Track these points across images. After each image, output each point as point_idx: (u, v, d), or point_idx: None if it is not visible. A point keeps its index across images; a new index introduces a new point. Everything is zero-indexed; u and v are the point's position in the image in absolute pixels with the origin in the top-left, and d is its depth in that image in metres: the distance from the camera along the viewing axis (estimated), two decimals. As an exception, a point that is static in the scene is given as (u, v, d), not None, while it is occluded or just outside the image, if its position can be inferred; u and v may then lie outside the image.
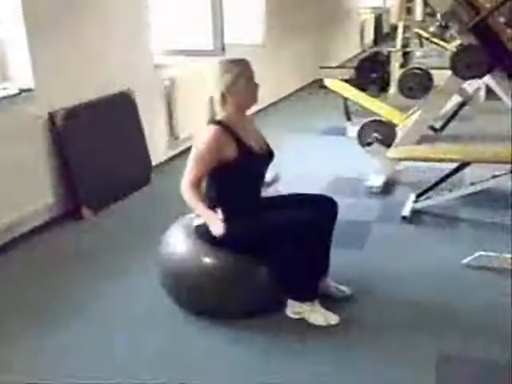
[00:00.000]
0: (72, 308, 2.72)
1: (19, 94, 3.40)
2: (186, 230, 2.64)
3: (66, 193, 3.77)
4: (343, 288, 2.72)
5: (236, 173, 2.49)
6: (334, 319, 2.52)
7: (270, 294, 2.57)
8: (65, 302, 2.77)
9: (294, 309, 2.55)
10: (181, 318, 2.61)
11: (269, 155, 2.65)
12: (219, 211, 2.37)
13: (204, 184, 2.55)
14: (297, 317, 2.53)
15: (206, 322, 2.56)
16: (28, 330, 2.55)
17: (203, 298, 2.56)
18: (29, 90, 3.45)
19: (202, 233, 2.52)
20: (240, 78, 2.46)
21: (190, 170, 2.45)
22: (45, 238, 3.49)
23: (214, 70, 2.51)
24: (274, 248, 2.45)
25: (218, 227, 2.35)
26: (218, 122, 2.49)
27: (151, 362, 2.32)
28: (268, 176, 2.72)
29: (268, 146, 2.67)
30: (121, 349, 2.42)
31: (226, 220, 2.37)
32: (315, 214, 2.54)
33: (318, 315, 2.51)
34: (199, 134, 2.52)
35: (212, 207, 2.43)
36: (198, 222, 2.55)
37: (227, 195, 2.53)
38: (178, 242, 2.64)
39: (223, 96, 2.46)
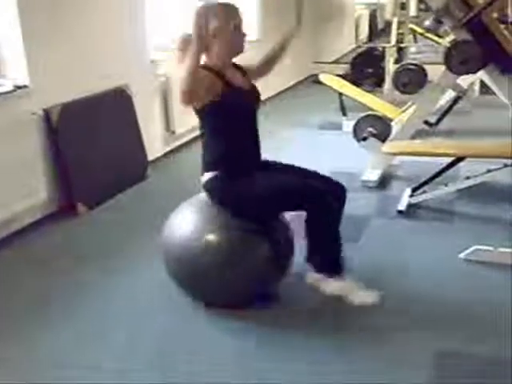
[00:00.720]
0: (68, 304, 2.72)
1: (14, 90, 3.39)
2: (191, 209, 2.62)
3: (61, 189, 3.77)
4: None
5: (227, 111, 2.43)
6: (371, 299, 2.45)
7: (272, 275, 2.58)
8: (60, 299, 2.77)
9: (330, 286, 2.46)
10: (182, 310, 2.63)
11: (255, 92, 2.61)
12: None
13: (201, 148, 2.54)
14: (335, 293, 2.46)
15: (207, 311, 2.58)
16: (23, 327, 2.55)
17: (206, 278, 2.51)
18: (24, 87, 3.44)
19: (211, 189, 2.51)
20: (229, 24, 2.38)
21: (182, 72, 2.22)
22: (40, 234, 3.48)
23: (197, 10, 2.36)
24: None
25: None
26: (203, 67, 2.36)
27: (150, 358, 2.32)
28: None
29: (255, 87, 2.63)
30: (119, 342, 2.42)
31: (230, 175, 2.38)
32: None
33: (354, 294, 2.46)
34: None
35: (213, 167, 2.44)
36: (205, 178, 2.53)
37: (222, 148, 2.50)
38: (181, 221, 2.60)
39: (207, 41, 2.33)
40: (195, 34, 2.21)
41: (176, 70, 2.38)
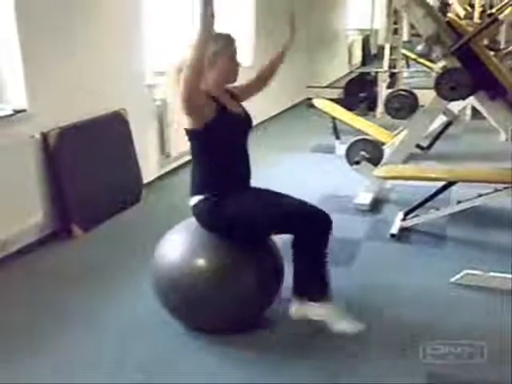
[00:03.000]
0: (61, 327, 2.73)
1: (13, 114, 3.44)
2: (181, 234, 2.65)
3: (57, 211, 3.79)
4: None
5: (216, 139, 2.47)
6: (354, 328, 2.45)
7: (262, 301, 2.60)
8: (54, 322, 2.78)
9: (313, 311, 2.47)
10: (171, 334, 2.64)
11: (247, 118, 2.66)
12: None
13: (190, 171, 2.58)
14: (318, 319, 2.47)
15: (197, 336, 2.59)
16: (10, 350, 2.54)
17: (196, 304, 2.52)
18: (22, 111, 3.49)
19: (199, 212, 2.54)
20: (224, 52, 2.44)
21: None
22: (35, 256, 3.49)
23: (190, 39, 2.38)
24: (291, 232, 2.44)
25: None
26: None
27: (138, 380, 2.33)
28: None
29: (246, 111, 2.67)
30: (109, 364, 2.44)
31: (219, 198, 2.41)
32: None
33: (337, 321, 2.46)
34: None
35: (201, 190, 2.48)
36: (193, 201, 2.55)
37: (212, 171, 2.53)
38: (171, 246, 2.63)
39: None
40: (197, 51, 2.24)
41: (172, 91, 2.45)
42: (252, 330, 2.63)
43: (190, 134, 2.52)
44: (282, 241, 2.64)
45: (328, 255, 2.48)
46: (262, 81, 2.91)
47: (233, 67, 2.51)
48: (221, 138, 2.49)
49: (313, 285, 2.49)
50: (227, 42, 2.48)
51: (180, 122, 2.44)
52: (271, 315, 2.71)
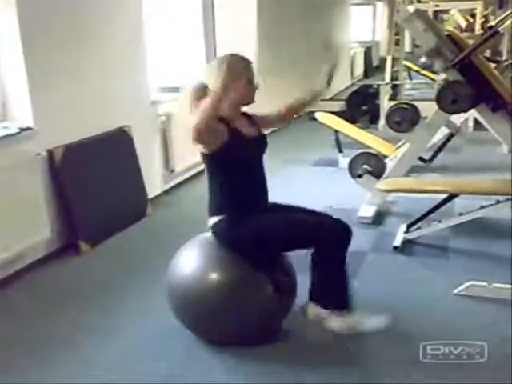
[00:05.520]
0: (70, 342, 2.76)
1: (19, 132, 3.49)
2: (196, 248, 2.68)
3: (64, 227, 3.84)
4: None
5: (232, 161, 2.50)
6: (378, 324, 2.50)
7: (276, 313, 2.62)
8: (63, 336, 2.80)
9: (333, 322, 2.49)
10: (183, 347, 2.66)
11: (262, 139, 2.69)
12: None
13: (207, 191, 2.60)
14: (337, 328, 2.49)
15: (209, 349, 2.61)
16: (22, 364, 2.58)
17: (211, 317, 2.54)
18: (28, 129, 3.55)
19: (219, 232, 2.55)
20: (242, 75, 2.46)
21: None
22: (43, 272, 3.53)
23: (214, 62, 2.50)
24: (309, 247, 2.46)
25: None
26: None
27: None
28: None
29: (261, 132, 2.70)
30: (119, 379, 2.45)
31: (238, 218, 2.45)
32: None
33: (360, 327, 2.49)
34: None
35: (219, 211, 2.49)
36: (212, 221, 2.58)
37: (229, 193, 2.55)
38: (185, 261, 2.65)
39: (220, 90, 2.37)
40: (217, 84, 2.31)
41: (186, 119, 2.45)
42: (266, 343, 2.64)
43: (204, 157, 2.55)
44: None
45: (347, 266, 2.51)
46: (282, 120, 2.94)
47: (250, 90, 2.55)
48: (235, 161, 2.53)
49: (334, 296, 2.51)
50: (244, 65, 2.51)
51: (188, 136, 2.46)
52: (285, 327, 2.73)
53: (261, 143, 2.70)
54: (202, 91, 2.46)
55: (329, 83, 2.88)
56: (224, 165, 2.53)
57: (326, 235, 2.46)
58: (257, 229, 2.51)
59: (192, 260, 2.63)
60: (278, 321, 2.69)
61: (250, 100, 2.58)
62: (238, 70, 2.43)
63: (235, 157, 2.51)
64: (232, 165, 2.53)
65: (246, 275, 2.54)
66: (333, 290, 2.51)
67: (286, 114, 2.89)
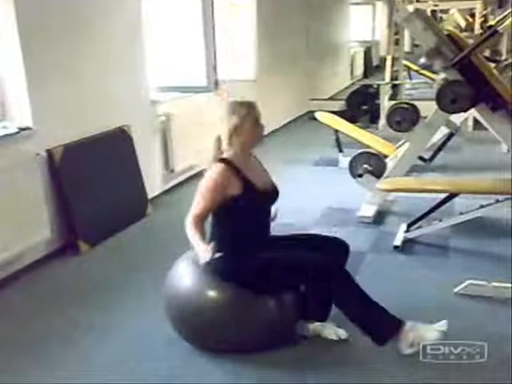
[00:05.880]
0: (68, 341, 2.76)
1: (18, 132, 3.49)
2: (192, 263, 2.66)
3: (64, 227, 3.84)
4: (341, 332, 2.69)
5: (240, 210, 2.54)
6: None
7: (272, 329, 2.59)
8: (61, 336, 2.80)
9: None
10: (179, 350, 2.65)
11: (274, 193, 2.71)
12: (211, 244, 2.42)
13: (210, 226, 2.62)
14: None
15: (206, 355, 2.59)
16: (21, 364, 2.58)
17: (205, 330, 2.56)
18: (27, 129, 3.54)
19: (216, 269, 2.54)
20: (247, 120, 2.52)
21: (196, 204, 2.52)
22: (43, 272, 3.53)
23: (223, 109, 2.58)
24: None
25: (205, 255, 2.39)
26: (224, 160, 2.54)
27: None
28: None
29: (273, 183, 2.73)
30: (116, 379, 2.45)
31: (238, 256, 2.48)
32: (328, 256, 2.58)
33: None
34: (206, 171, 2.58)
35: (218, 248, 2.48)
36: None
37: (232, 233, 2.59)
38: (183, 274, 2.65)
39: (230, 136, 2.53)
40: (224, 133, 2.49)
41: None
42: (268, 352, 2.61)
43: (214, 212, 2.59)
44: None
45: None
46: None
47: (258, 131, 2.60)
48: (246, 212, 2.56)
49: (378, 327, 2.51)
50: (248, 109, 2.55)
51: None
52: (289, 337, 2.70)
53: (273, 196, 2.72)
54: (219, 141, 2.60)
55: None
56: (234, 212, 2.56)
57: (327, 273, 2.49)
58: (254, 269, 2.54)
59: (190, 273, 2.63)
60: (279, 335, 2.64)
61: (258, 140, 2.64)
62: (241, 116, 2.50)
63: (247, 208, 2.54)
64: (242, 213, 2.56)
65: (245, 291, 2.54)
66: (369, 321, 2.52)
67: None
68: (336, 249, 2.70)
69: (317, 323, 2.67)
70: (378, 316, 2.51)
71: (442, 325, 2.52)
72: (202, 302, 2.54)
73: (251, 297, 2.54)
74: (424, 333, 2.49)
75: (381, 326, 2.50)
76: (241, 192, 2.51)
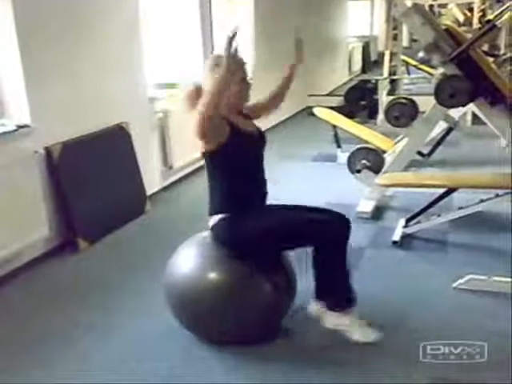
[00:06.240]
0: (68, 339, 2.75)
1: (16, 130, 3.48)
2: (193, 248, 2.67)
3: (63, 225, 3.83)
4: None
5: (231, 160, 2.50)
6: (372, 337, 2.51)
7: (275, 312, 2.61)
8: (61, 334, 2.80)
9: (332, 321, 2.53)
10: (181, 346, 2.65)
11: (261, 136, 2.72)
12: None
13: (208, 190, 2.60)
14: (336, 328, 2.51)
15: (208, 348, 2.60)
16: (21, 363, 2.57)
17: (205, 315, 2.54)
18: (26, 126, 3.53)
19: (219, 231, 2.55)
20: (236, 74, 2.42)
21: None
22: (41, 270, 3.53)
23: (209, 60, 2.52)
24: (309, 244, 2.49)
25: None
26: None
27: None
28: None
29: (261, 130, 2.73)
30: (118, 377, 2.45)
31: (239, 216, 2.46)
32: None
33: (355, 330, 2.51)
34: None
35: (220, 209, 2.49)
36: (213, 221, 2.57)
37: (229, 192, 2.55)
38: (183, 260, 2.64)
39: (216, 91, 2.33)
40: (214, 81, 2.32)
41: (184, 110, 2.54)
42: (266, 342, 2.63)
43: (206, 156, 2.55)
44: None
45: (348, 263, 2.51)
46: (272, 103, 3.00)
47: (245, 89, 2.57)
48: (236, 158, 2.53)
49: (337, 296, 2.53)
50: (238, 65, 2.48)
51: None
52: (285, 325, 2.72)
53: (260, 139, 2.71)
54: (199, 90, 2.50)
55: (300, 58, 3.02)
56: (224, 163, 2.53)
57: (324, 232, 2.46)
58: (257, 227, 2.51)
59: (190, 260, 2.62)
60: (277, 319, 2.68)
61: (245, 99, 2.60)
62: (233, 68, 2.39)
63: (236, 154, 2.51)
64: (232, 162, 2.53)
65: (245, 274, 2.53)
66: (333, 288, 2.53)
67: (272, 97, 2.99)
68: (339, 220, 2.62)
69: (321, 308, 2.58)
70: (337, 285, 2.52)
71: (377, 336, 2.51)
72: (201, 287, 2.51)
73: (249, 279, 2.53)
74: (355, 328, 2.50)
75: (333, 294, 2.52)
76: (228, 136, 2.46)
